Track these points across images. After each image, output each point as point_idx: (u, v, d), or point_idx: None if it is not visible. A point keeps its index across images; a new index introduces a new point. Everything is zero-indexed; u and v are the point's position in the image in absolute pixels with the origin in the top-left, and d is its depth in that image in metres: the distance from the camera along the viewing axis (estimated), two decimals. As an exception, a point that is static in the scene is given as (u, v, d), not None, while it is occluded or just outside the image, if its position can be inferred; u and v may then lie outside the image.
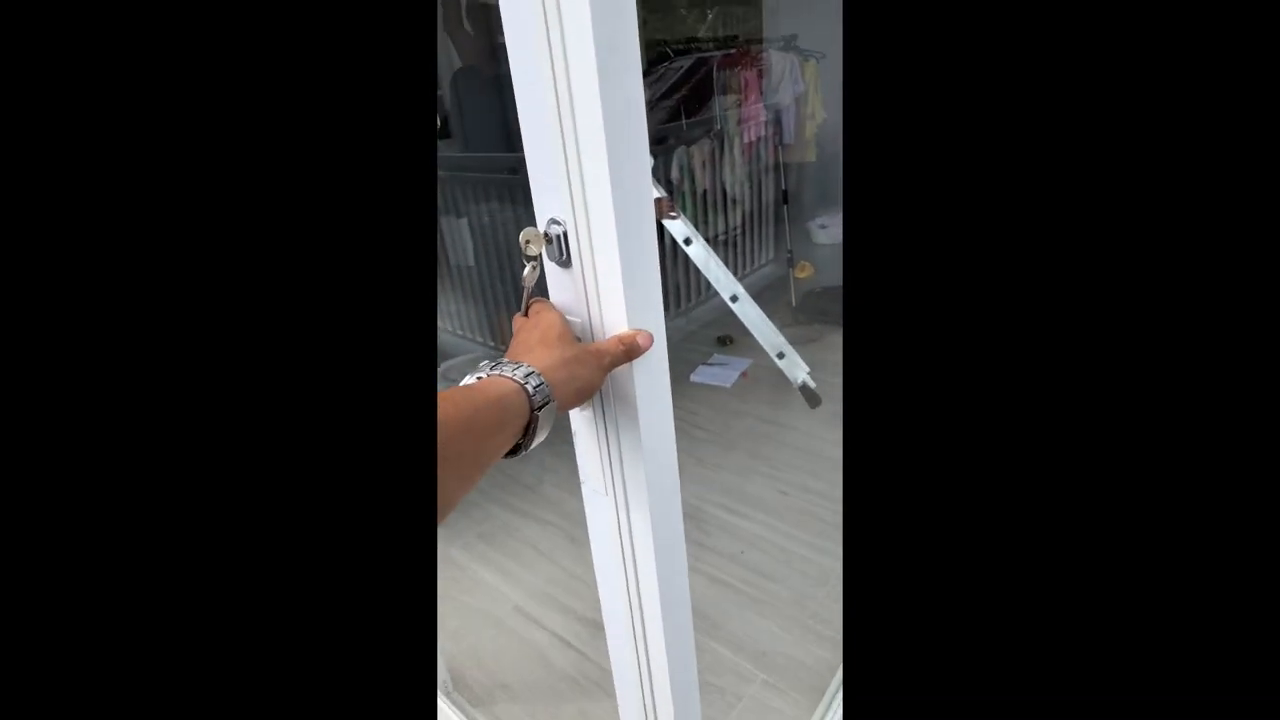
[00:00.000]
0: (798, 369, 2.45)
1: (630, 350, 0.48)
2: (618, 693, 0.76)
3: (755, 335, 2.47)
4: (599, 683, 1.39)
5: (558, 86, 0.43)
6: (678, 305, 2.88)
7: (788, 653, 1.41)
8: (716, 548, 1.72)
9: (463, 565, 1.77)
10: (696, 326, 2.98)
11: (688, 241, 2.68)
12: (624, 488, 0.57)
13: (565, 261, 0.49)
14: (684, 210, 2.83)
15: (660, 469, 0.55)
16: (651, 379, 0.52)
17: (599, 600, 0.69)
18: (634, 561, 0.59)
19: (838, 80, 3.03)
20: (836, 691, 1.26)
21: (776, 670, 1.37)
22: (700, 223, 3.06)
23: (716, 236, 3.11)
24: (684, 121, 2.94)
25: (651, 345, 0.49)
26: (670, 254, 2.83)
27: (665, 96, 3.05)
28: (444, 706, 1.32)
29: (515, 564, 1.75)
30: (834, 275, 3.22)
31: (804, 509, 1.83)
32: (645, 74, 3.39)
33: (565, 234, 0.47)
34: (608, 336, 0.50)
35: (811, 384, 2.35)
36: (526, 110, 0.46)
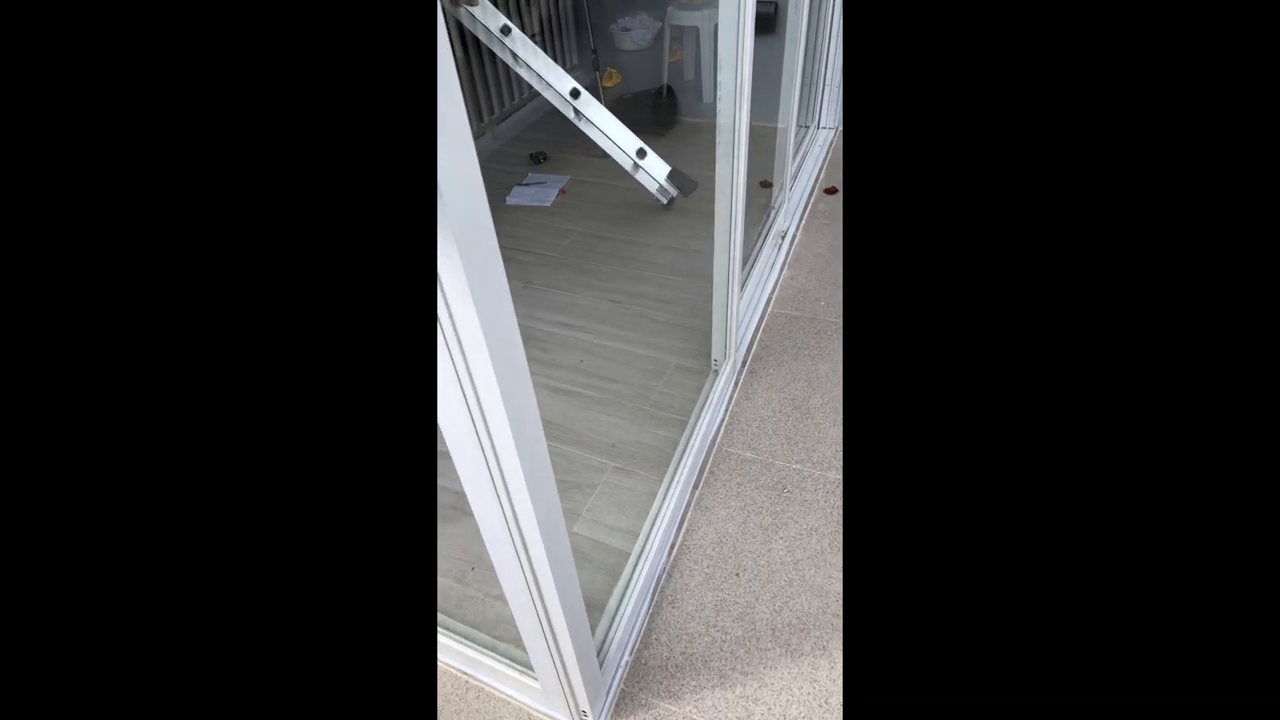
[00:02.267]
0: (661, 162, 2.35)
1: None
2: (474, 507, 0.72)
3: (606, 136, 2.28)
4: (455, 505, 1.38)
5: None
6: (479, 119, 2.57)
7: (634, 439, 1.49)
8: (556, 361, 1.71)
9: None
10: (504, 144, 2.71)
11: (506, 30, 2.33)
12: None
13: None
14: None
15: (483, 263, 0.46)
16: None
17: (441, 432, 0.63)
18: (461, 349, 0.52)
19: None
20: (680, 460, 1.37)
21: (625, 456, 1.45)
22: (512, 10, 2.67)
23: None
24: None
25: None
26: (465, 60, 2.46)
27: None
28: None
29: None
30: (641, 81, 3.06)
31: (637, 313, 1.86)
32: None
33: None
34: None
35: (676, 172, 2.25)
36: None
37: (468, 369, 0.56)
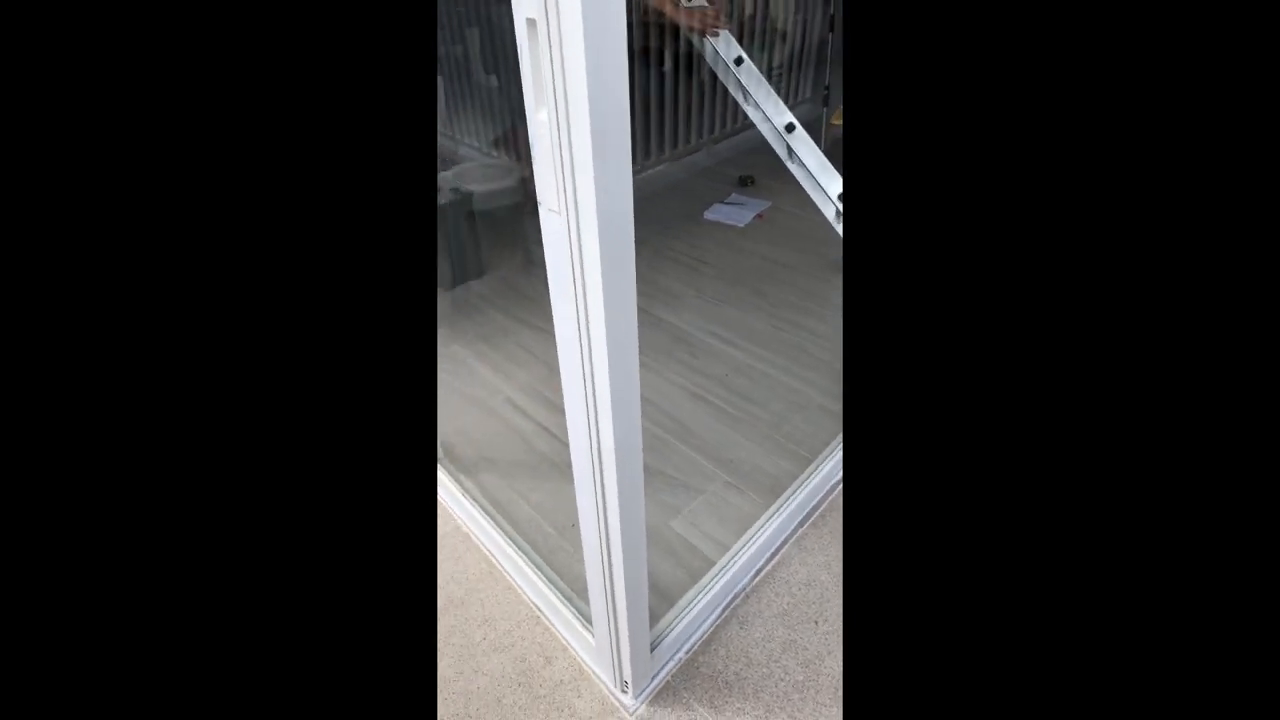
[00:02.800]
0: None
1: None
2: (575, 470, 0.82)
3: (811, 173, 2.34)
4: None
5: None
6: (699, 135, 2.73)
7: (753, 461, 1.50)
8: (703, 370, 1.78)
9: (462, 360, 1.85)
10: (717, 163, 2.85)
11: (739, 61, 2.49)
12: (574, 201, 0.57)
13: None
14: (733, 19, 2.59)
15: (611, 179, 0.55)
16: (605, 70, 0.50)
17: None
18: (582, 273, 0.61)
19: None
20: (792, 494, 1.36)
21: (740, 474, 1.47)
22: (751, 41, 2.81)
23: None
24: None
25: None
26: (697, 81, 2.63)
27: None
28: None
29: (510, 363, 1.84)
30: (873, 125, 3.00)
31: (796, 344, 1.86)
32: None
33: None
34: (564, 10, 0.47)
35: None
36: None
37: (589, 349, 0.66)
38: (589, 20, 0.47)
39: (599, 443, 0.76)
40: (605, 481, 0.80)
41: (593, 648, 1.08)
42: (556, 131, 0.54)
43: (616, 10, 0.48)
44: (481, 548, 1.34)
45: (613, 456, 0.75)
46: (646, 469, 1.45)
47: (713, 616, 1.18)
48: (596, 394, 0.71)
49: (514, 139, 2.48)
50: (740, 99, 2.35)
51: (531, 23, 0.51)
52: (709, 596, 1.16)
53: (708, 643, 1.15)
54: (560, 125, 0.54)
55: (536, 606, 1.21)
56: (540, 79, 0.54)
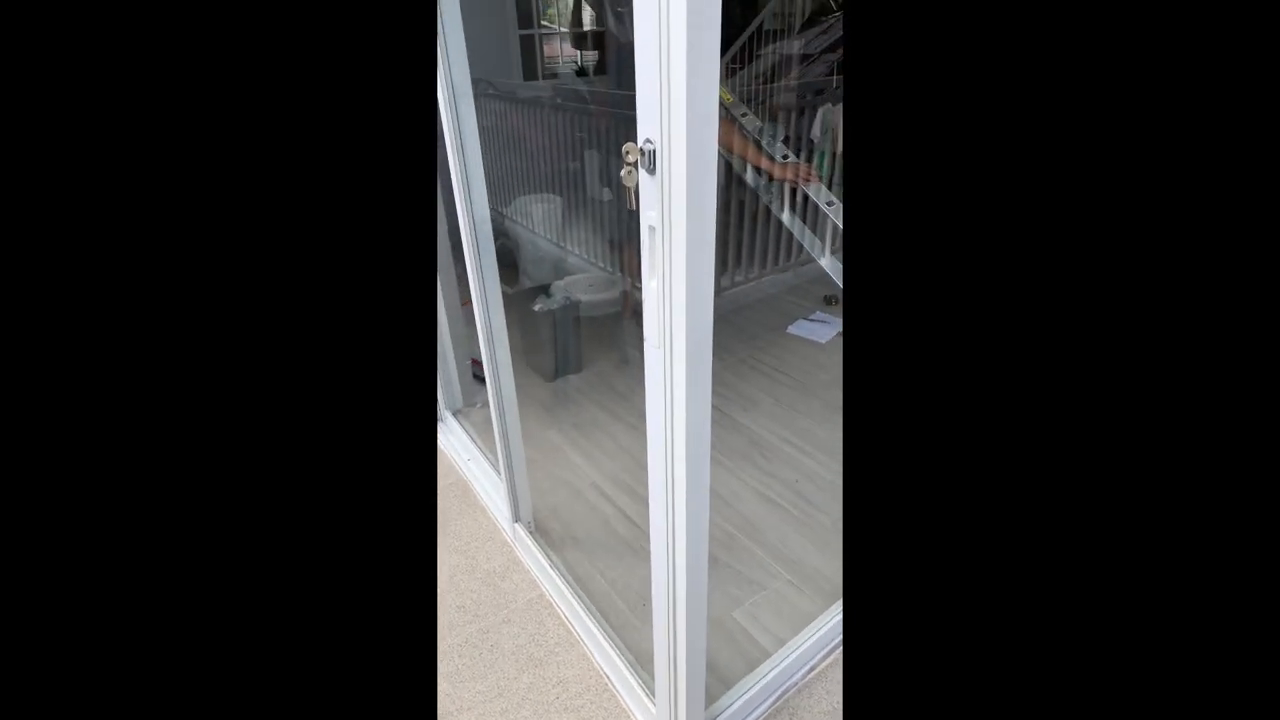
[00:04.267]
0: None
1: None
2: (652, 554, 1.00)
3: None
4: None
5: (661, 60, 0.64)
6: (787, 258, 2.99)
7: (815, 565, 1.60)
8: (774, 473, 1.92)
9: (557, 445, 2.10)
10: (804, 281, 3.08)
11: (831, 204, 2.81)
12: (670, 342, 0.79)
13: (652, 170, 0.71)
14: (820, 169, 2.90)
15: (697, 330, 0.77)
16: (698, 261, 0.74)
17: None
18: (671, 395, 0.83)
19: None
20: (849, 600, 1.44)
21: (801, 575, 1.58)
22: (835, 184, 3.10)
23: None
24: (838, 77, 2.92)
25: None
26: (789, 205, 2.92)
27: (830, 50, 2.94)
28: (527, 540, 1.66)
29: (599, 451, 2.06)
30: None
31: (865, 458, 1.97)
32: (809, 25, 3.33)
33: (654, 151, 0.69)
34: (674, 224, 0.72)
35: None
36: (642, 68, 0.68)
37: (673, 454, 0.86)
38: (690, 233, 0.71)
39: (674, 535, 0.95)
40: (676, 567, 0.98)
41: (653, 716, 1.20)
42: (662, 295, 0.78)
43: (708, 227, 0.72)
44: (561, 615, 1.51)
45: (684, 547, 0.93)
46: (714, 561, 1.60)
47: (765, 704, 1.27)
48: (675, 495, 0.90)
49: (622, 255, 2.84)
50: (798, 235, 2.59)
51: (652, 229, 0.76)
52: (763, 684, 1.26)
53: (758, 730, 1.24)
54: (664, 292, 0.77)
55: (606, 673, 1.35)
56: (654, 261, 0.78)
